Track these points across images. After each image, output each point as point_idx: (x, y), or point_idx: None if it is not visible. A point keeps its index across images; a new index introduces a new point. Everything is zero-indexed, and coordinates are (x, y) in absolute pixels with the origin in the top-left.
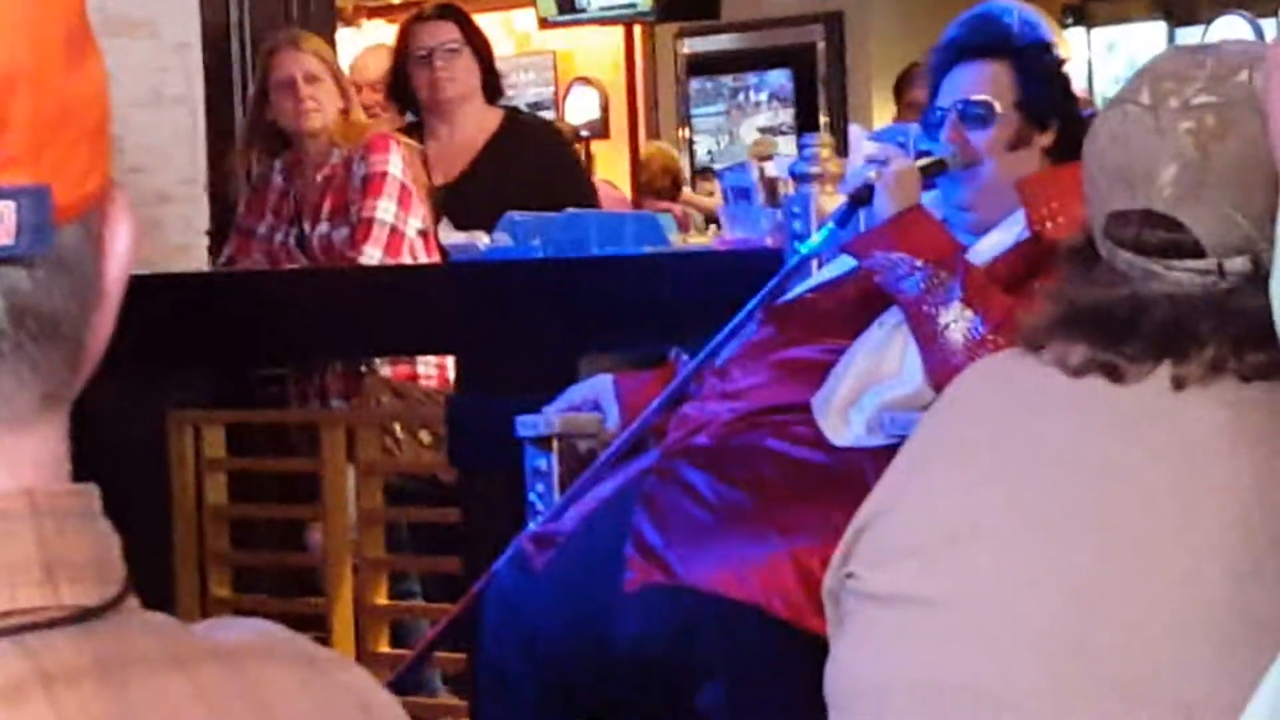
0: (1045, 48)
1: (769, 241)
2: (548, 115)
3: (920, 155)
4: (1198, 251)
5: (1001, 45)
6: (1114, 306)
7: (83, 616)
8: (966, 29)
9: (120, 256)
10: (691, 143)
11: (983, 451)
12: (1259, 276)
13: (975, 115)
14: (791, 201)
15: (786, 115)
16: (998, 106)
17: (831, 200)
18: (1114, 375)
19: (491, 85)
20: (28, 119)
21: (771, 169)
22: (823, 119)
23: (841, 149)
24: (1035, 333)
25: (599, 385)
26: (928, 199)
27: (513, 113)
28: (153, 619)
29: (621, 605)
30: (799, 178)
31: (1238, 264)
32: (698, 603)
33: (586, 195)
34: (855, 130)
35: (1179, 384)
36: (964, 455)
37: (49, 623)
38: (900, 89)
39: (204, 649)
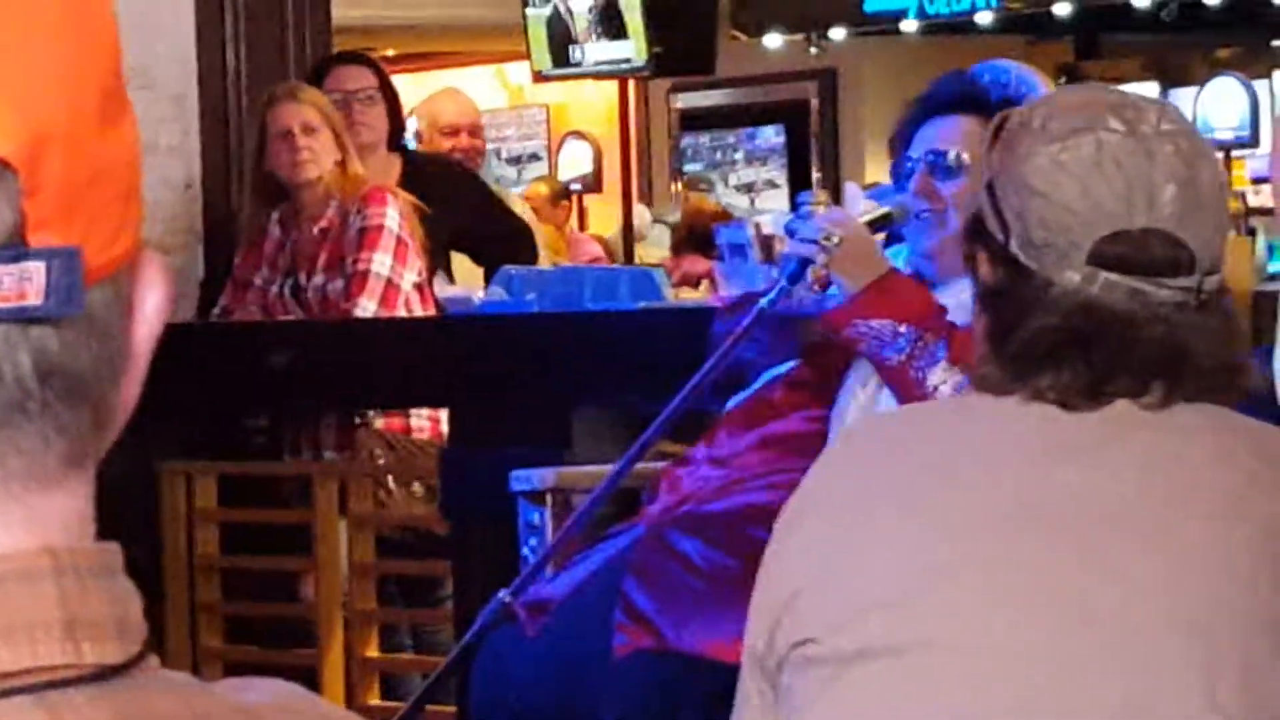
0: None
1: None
2: (539, 168)
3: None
4: (1192, 268)
5: (974, 100)
6: (1097, 333)
7: (104, 675)
8: (940, 85)
9: (150, 318)
10: (685, 199)
11: (939, 493)
12: (1213, 297)
13: (944, 166)
14: (787, 258)
15: (775, 171)
16: (966, 158)
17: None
18: (1076, 405)
19: (396, 135)
20: (60, 180)
21: (767, 225)
22: (815, 174)
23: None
24: (1000, 378)
25: None
26: (895, 254)
27: (410, 154)
28: (174, 678)
29: (611, 671)
30: (793, 234)
31: (1213, 282)
32: (688, 667)
33: (504, 221)
34: (851, 188)
35: (1164, 403)
36: (916, 500)
37: (70, 681)
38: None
39: (226, 709)
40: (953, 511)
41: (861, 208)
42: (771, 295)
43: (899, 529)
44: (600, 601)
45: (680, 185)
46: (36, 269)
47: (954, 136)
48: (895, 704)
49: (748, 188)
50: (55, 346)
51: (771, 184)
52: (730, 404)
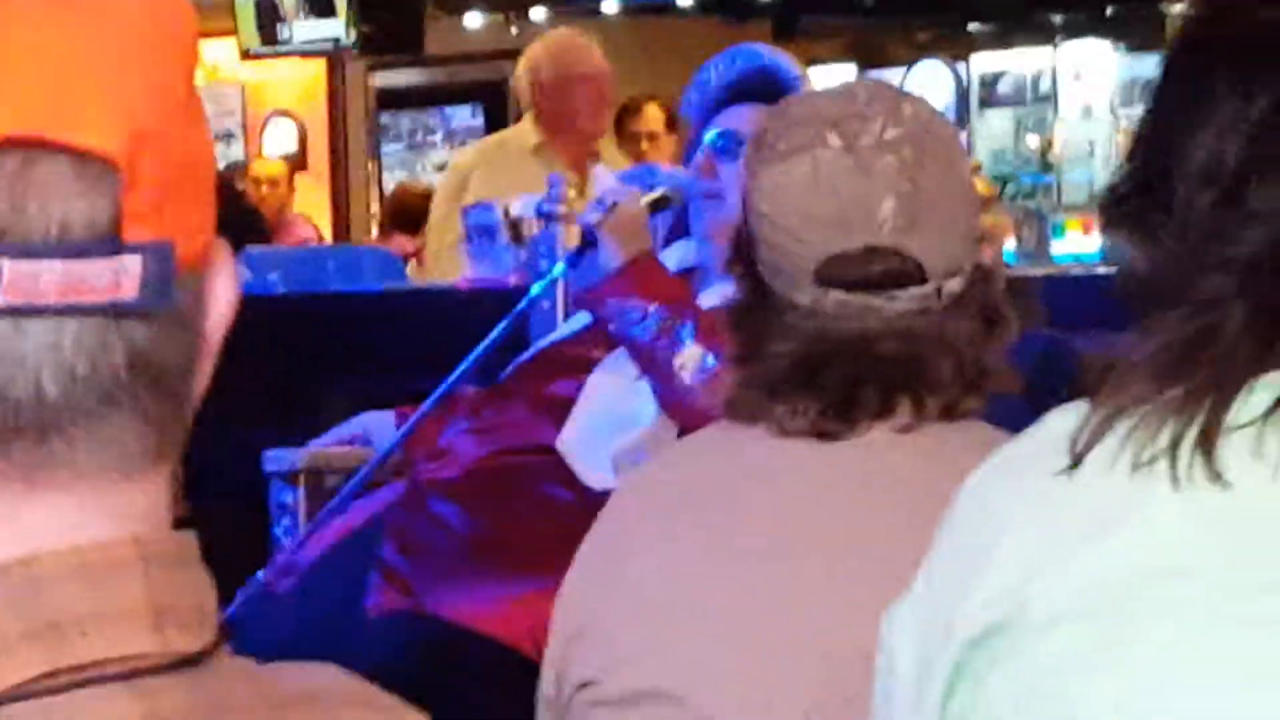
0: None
1: (513, 280)
2: (236, 147)
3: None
4: (921, 278)
5: (775, 91)
6: (832, 355)
7: (187, 662)
8: (741, 75)
9: (223, 311)
10: (380, 178)
11: (690, 533)
12: (964, 297)
13: (729, 148)
14: (537, 241)
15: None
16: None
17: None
18: (832, 435)
19: None
20: (153, 176)
21: (517, 208)
22: None
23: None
24: (746, 403)
25: (370, 420)
26: (680, 247)
27: None
28: (246, 665)
29: (365, 632)
30: (545, 217)
31: (954, 284)
32: (440, 630)
33: (234, 202)
34: (600, 170)
35: (907, 429)
36: (672, 539)
37: (159, 668)
38: (622, 122)
39: (293, 693)
40: (699, 553)
41: (611, 187)
42: (550, 277)
43: (656, 571)
44: (355, 561)
45: (378, 165)
46: (132, 262)
47: (748, 123)
48: None
49: (445, 167)
50: (145, 339)
51: None
52: (501, 378)
